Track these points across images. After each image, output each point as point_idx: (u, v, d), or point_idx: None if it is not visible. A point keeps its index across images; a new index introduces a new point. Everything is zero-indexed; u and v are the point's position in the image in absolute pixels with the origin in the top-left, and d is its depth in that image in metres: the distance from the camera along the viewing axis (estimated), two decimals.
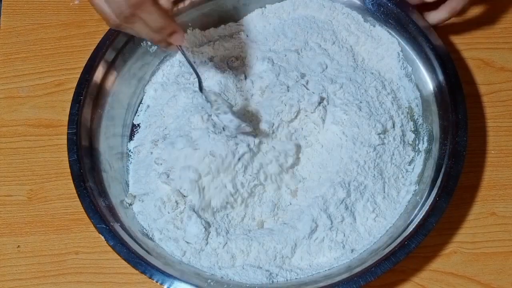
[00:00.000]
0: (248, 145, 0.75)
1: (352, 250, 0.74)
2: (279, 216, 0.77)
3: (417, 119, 0.82)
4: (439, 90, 0.79)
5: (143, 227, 0.75)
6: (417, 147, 0.81)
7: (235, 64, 0.85)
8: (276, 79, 0.81)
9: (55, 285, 0.77)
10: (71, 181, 0.74)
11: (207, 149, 0.73)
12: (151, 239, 0.74)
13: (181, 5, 0.84)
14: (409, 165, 0.80)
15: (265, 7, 0.89)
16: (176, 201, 0.74)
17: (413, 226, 0.71)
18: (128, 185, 0.79)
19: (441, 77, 0.79)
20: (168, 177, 0.74)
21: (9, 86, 0.89)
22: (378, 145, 0.78)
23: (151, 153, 0.79)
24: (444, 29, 0.90)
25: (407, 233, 0.70)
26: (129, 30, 0.68)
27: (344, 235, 0.74)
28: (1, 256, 0.79)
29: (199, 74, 0.76)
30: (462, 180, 0.74)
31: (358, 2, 0.86)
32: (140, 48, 0.84)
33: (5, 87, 0.89)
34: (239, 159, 0.74)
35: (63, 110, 0.86)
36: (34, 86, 0.89)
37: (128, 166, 0.81)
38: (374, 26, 0.86)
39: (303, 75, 0.82)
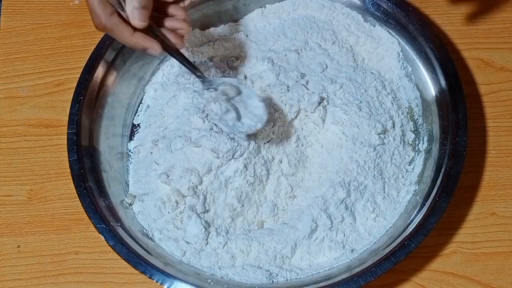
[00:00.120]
0: (249, 144, 0.75)
1: (352, 250, 0.74)
2: (279, 216, 0.77)
3: (417, 119, 0.82)
4: (439, 90, 0.79)
5: (143, 227, 0.75)
6: (417, 147, 0.81)
7: (235, 64, 0.85)
8: (276, 79, 0.81)
9: (55, 285, 0.77)
10: (71, 181, 0.74)
11: (208, 146, 0.73)
12: (151, 239, 0.74)
13: (181, 5, 0.84)
14: (409, 165, 0.80)
15: (265, 7, 0.89)
16: (176, 201, 0.74)
17: (413, 226, 0.71)
18: (128, 185, 0.79)
19: (441, 77, 0.79)
20: (168, 177, 0.74)
21: (9, 86, 0.89)
22: (378, 145, 0.78)
23: (151, 153, 0.79)
24: (444, 29, 0.90)
25: (407, 233, 0.70)
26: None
27: (344, 235, 0.74)
28: (1, 256, 0.79)
29: (195, 68, 0.75)
30: (462, 180, 0.74)
31: (358, 2, 0.86)
32: None
33: (5, 87, 0.89)
34: (240, 157, 0.74)
35: (63, 110, 0.86)
36: (34, 86, 0.89)
37: (128, 166, 0.81)
38: (374, 26, 0.86)
39: (303, 75, 0.82)
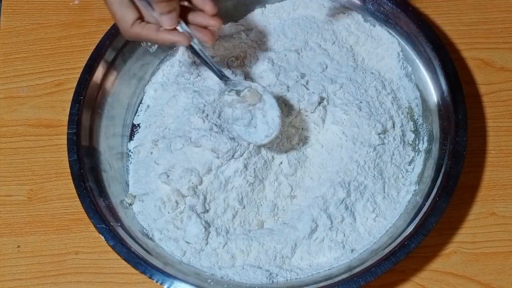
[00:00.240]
0: (249, 144, 0.75)
1: (352, 250, 0.74)
2: (279, 216, 0.77)
3: (417, 119, 0.82)
4: (439, 90, 0.79)
5: (143, 227, 0.75)
6: (417, 147, 0.81)
7: (235, 64, 0.85)
8: (276, 79, 0.81)
9: (55, 285, 0.77)
10: (71, 181, 0.74)
11: (208, 146, 0.74)
12: (151, 239, 0.74)
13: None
14: (409, 165, 0.80)
15: (265, 7, 0.89)
16: (176, 201, 0.74)
17: (413, 226, 0.71)
18: (128, 185, 0.79)
19: (441, 77, 0.79)
20: (168, 177, 0.74)
21: (9, 86, 0.89)
22: (378, 145, 0.78)
23: (151, 153, 0.79)
24: (444, 29, 0.90)
25: (407, 233, 0.70)
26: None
27: (344, 235, 0.74)
28: (1, 256, 0.79)
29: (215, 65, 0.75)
30: (462, 180, 0.74)
31: (358, 2, 0.86)
32: (140, 48, 0.84)
33: (5, 87, 0.89)
34: (240, 157, 0.74)
35: (63, 110, 0.86)
36: (34, 86, 0.89)
37: (128, 166, 0.81)
38: (374, 26, 0.86)
39: (303, 75, 0.82)
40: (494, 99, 0.86)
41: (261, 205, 0.76)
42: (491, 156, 0.83)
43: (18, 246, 0.79)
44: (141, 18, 0.69)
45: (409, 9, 0.83)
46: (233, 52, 0.86)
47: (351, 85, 0.81)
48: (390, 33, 0.85)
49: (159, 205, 0.74)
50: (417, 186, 0.77)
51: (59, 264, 0.78)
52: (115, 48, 0.81)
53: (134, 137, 0.83)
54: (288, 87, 0.80)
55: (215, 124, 0.77)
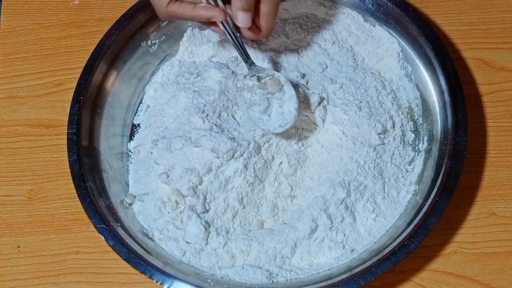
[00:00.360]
0: (249, 144, 0.75)
1: (352, 250, 0.74)
2: (279, 216, 0.77)
3: (417, 119, 0.82)
4: (439, 90, 0.79)
5: (143, 227, 0.75)
6: (417, 147, 0.81)
7: (235, 64, 0.85)
8: None
9: (55, 285, 0.77)
10: (71, 181, 0.74)
11: (208, 146, 0.74)
12: (151, 239, 0.74)
13: None
14: (409, 165, 0.80)
15: None
16: (176, 201, 0.74)
17: (413, 226, 0.71)
18: (128, 185, 0.79)
19: (441, 77, 0.79)
20: (168, 177, 0.74)
21: (9, 86, 0.89)
22: (378, 145, 0.78)
23: (151, 153, 0.79)
24: (444, 29, 0.90)
25: (407, 233, 0.70)
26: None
27: (344, 235, 0.74)
28: (1, 256, 0.79)
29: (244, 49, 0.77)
30: (462, 180, 0.74)
31: (358, 2, 0.86)
32: (140, 48, 0.84)
33: (5, 87, 0.89)
34: (240, 157, 0.74)
35: (63, 110, 0.86)
36: (34, 86, 0.89)
37: (128, 166, 0.81)
38: (374, 26, 0.86)
39: (303, 75, 0.82)
40: (494, 99, 0.86)
41: (261, 205, 0.76)
42: (491, 156, 0.83)
43: (18, 246, 0.79)
44: None
45: (409, 9, 0.83)
46: (233, 52, 0.86)
47: (351, 85, 0.81)
48: (390, 33, 0.85)
49: (159, 205, 0.74)
50: (417, 186, 0.77)
51: (59, 264, 0.78)
52: (115, 48, 0.81)
53: (134, 137, 0.83)
54: None
55: (215, 124, 0.77)
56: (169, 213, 0.74)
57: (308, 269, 0.73)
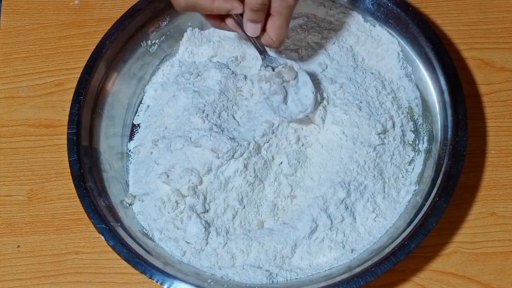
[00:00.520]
0: (249, 144, 0.75)
1: (352, 250, 0.74)
2: (279, 216, 0.77)
3: (417, 119, 0.82)
4: (439, 90, 0.79)
5: (143, 227, 0.75)
6: (417, 147, 0.81)
7: (235, 64, 0.85)
8: None
9: (55, 285, 0.77)
10: (71, 181, 0.74)
11: (208, 146, 0.74)
12: (151, 239, 0.74)
13: None
14: (409, 165, 0.80)
15: None
16: (176, 201, 0.74)
17: (413, 226, 0.71)
18: (128, 185, 0.79)
19: (441, 77, 0.79)
20: (168, 177, 0.74)
21: (9, 86, 0.89)
22: (378, 145, 0.78)
23: (151, 153, 0.79)
24: (444, 29, 0.90)
25: (407, 233, 0.70)
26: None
27: (344, 235, 0.74)
28: (1, 256, 0.79)
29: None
30: (462, 180, 0.74)
31: (358, 2, 0.86)
32: (140, 48, 0.84)
33: (5, 87, 0.89)
34: (240, 157, 0.74)
35: (63, 110, 0.86)
36: (34, 86, 0.89)
37: (128, 166, 0.81)
38: (374, 26, 0.86)
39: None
40: (494, 99, 0.86)
41: (261, 205, 0.76)
42: (491, 156, 0.83)
43: (18, 246, 0.79)
44: None
45: (409, 9, 0.83)
46: (233, 52, 0.86)
47: (351, 85, 0.81)
48: (390, 33, 0.85)
49: (159, 205, 0.74)
50: (417, 186, 0.77)
51: (59, 264, 0.78)
52: (115, 48, 0.81)
53: (134, 137, 0.83)
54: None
55: (215, 124, 0.77)
56: (169, 213, 0.74)
57: (308, 269, 0.73)
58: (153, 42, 0.85)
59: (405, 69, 0.84)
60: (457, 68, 0.79)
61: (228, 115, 0.80)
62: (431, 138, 0.80)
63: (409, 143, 0.81)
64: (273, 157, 0.77)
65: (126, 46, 0.82)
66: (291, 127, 0.78)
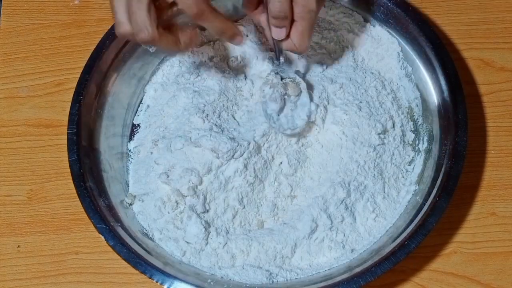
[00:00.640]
0: (249, 144, 0.75)
1: (352, 250, 0.74)
2: (279, 216, 0.77)
3: (417, 119, 0.82)
4: (439, 90, 0.79)
5: (143, 227, 0.75)
6: (417, 147, 0.81)
7: (235, 64, 0.85)
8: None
9: (55, 285, 0.77)
10: (71, 181, 0.74)
11: (208, 146, 0.74)
12: (151, 239, 0.74)
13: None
14: (409, 165, 0.80)
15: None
16: (176, 201, 0.74)
17: (413, 226, 0.71)
18: (128, 185, 0.79)
19: (441, 77, 0.79)
20: (168, 177, 0.74)
21: (9, 86, 0.89)
22: (378, 145, 0.78)
23: (151, 153, 0.79)
24: (444, 29, 0.90)
25: (407, 233, 0.70)
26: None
27: (344, 235, 0.74)
28: (1, 256, 0.79)
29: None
30: (462, 180, 0.74)
31: (358, 2, 0.86)
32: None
33: (5, 87, 0.89)
34: (240, 157, 0.74)
35: (63, 110, 0.86)
36: (34, 86, 0.89)
37: (128, 166, 0.81)
38: (374, 26, 0.86)
39: (303, 75, 0.82)
40: (494, 99, 0.86)
41: (261, 205, 0.76)
42: (491, 156, 0.83)
43: (18, 246, 0.79)
44: None
45: (409, 9, 0.83)
46: (233, 52, 0.86)
47: (351, 85, 0.81)
48: (390, 33, 0.85)
49: (159, 205, 0.74)
50: (417, 186, 0.77)
51: (59, 264, 0.78)
52: (115, 48, 0.81)
53: (134, 137, 0.83)
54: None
55: (215, 124, 0.77)
56: (169, 213, 0.74)
57: (308, 269, 0.73)
58: None
59: (405, 69, 0.84)
60: (457, 68, 0.79)
61: (228, 115, 0.80)
62: (431, 138, 0.79)
63: (409, 143, 0.81)
64: (273, 157, 0.77)
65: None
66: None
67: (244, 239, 0.73)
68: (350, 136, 0.77)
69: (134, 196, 0.77)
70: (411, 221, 0.72)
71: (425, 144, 0.80)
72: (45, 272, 0.78)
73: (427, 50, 0.81)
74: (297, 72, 0.80)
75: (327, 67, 0.84)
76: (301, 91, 0.77)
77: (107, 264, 0.78)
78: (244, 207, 0.75)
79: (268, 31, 0.72)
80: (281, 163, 0.77)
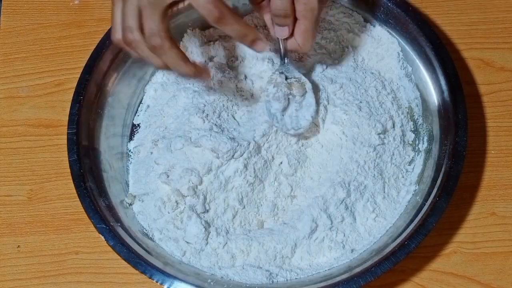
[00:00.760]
0: (249, 144, 0.75)
1: (352, 250, 0.74)
2: (279, 216, 0.77)
3: (417, 119, 0.82)
4: (439, 90, 0.79)
5: (143, 227, 0.75)
6: (417, 147, 0.81)
7: (235, 64, 0.85)
8: None
9: (55, 285, 0.77)
10: (71, 181, 0.74)
11: (208, 146, 0.74)
12: (151, 239, 0.74)
13: (181, 5, 0.84)
14: (409, 165, 0.80)
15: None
16: (176, 201, 0.74)
17: (413, 226, 0.71)
18: (128, 185, 0.79)
19: (441, 77, 0.79)
20: (168, 177, 0.74)
21: (9, 86, 0.89)
22: (378, 145, 0.78)
23: (151, 153, 0.79)
24: (444, 29, 0.90)
25: (407, 233, 0.70)
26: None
27: (344, 235, 0.74)
28: (1, 256, 0.79)
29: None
30: (462, 180, 0.74)
31: (358, 2, 0.86)
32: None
33: (5, 87, 0.89)
34: (240, 157, 0.74)
35: (63, 110, 0.86)
36: (34, 86, 0.89)
37: (128, 166, 0.81)
38: (374, 26, 0.86)
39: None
40: (494, 99, 0.86)
41: (261, 205, 0.76)
42: (491, 156, 0.83)
43: (18, 246, 0.79)
44: None
45: (409, 9, 0.83)
46: (233, 52, 0.86)
47: (351, 85, 0.81)
48: (390, 33, 0.85)
49: (159, 205, 0.74)
50: (417, 186, 0.77)
51: (59, 264, 0.78)
52: (115, 48, 0.81)
53: (134, 137, 0.83)
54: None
55: (215, 124, 0.77)
56: (169, 213, 0.74)
57: (308, 269, 0.73)
58: None
59: (405, 69, 0.84)
60: (457, 68, 0.79)
61: (228, 115, 0.80)
62: (431, 138, 0.79)
63: (409, 143, 0.81)
64: (273, 157, 0.77)
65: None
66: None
67: (244, 239, 0.73)
68: (350, 136, 0.77)
69: (134, 196, 0.77)
70: (411, 221, 0.72)
71: (425, 144, 0.80)
72: (45, 272, 0.78)
73: (427, 50, 0.81)
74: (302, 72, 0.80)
75: (327, 67, 0.84)
76: (306, 91, 0.77)
77: (107, 264, 0.78)
78: (244, 207, 0.75)
79: (272, 30, 0.72)
80: (281, 163, 0.77)
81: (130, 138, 0.83)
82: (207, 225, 0.73)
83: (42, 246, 0.79)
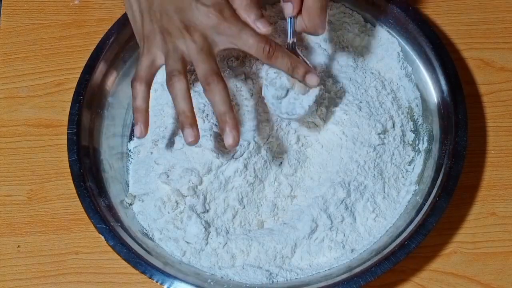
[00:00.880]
0: (249, 144, 0.75)
1: (352, 250, 0.74)
2: (279, 216, 0.77)
3: (417, 119, 0.82)
4: (439, 90, 0.79)
5: (143, 227, 0.75)
6: (417, 147, 0.81)
7: (235, 64, 0.85)
8: None
9: (55, 285, 0.77)
10: (71, 181, 0.74)
11: (208, 146, 0.74)
12: (151, 239, 0.74)
13: None
14: (409, 165, 0.80)
15: (265, 7, 0.89)
16: (176, 201, 0.74)
17: (413, 226, 0.71)
18: (128, 185, 0.79)
19: (441, 77, 0.79)
20: (168, 177, 0.74)
21: (9, 86, 0.89)
22: (378, 145, 0.78)
23: (151, 153, 0.79)
24: (444, 29, 0.90)
25: (407, 233, 0.70)
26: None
27: (344, 235, 0.74)
28: (1, 256, 0.79)
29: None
30: (462, 180, 0.74)
31: (358, 2, 0.86)
32: (140, 48, 0.84)
33: (5, 87, 0.89)
34: (240, 157, 0.74)
35: (63, 110, 0.86)
36: (34, 86, 0.89)
37: (128, 166, 0.81)
38: (374, 26, 0.86)
39: None
40: (494, 99, 0.86)
41: (261, 205, 0.76)
42: (491, 156, 0.83)
43: (18, 246, 0.79)
44: None
45: (409, 9, 0.83)
46: (233, 52, 0.86)
47: (351, 85, 0.81)
48: (390, 33, 0.85)
49: (159, 205, 0.74)
50: (417, 186, 0.77)
51: (59, 264, 0.78)
52: (115, 48, 0.81)
53: (134, 137, 0.83)
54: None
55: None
56: (169, 213, 0.74)
57: (308, 269, 0.73)
58: None
59: (405, 69, 0.84)
60: (457, 68, 0.79)
61: None
62: (431, 138, 0.80)
63: (409, 143, 0.81)
64: (273, 157, 0.77)
65: (126, 46, 0.82)
66: (291, 127, 0.78)
67: (244, 239, 0.73)
68: (350, 136, 0.77)
69: (134, 196, 0.77)
70: (411, 221, 0.72)
71: (425, 144, 0.80)
72: (45, 272, 0.78)
73: (427, 50, 0.81)
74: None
75: (327, 67, 0.84)
76: (308, 91, 0.74)
77: (107, 264, 0.78)
78: (244, 207, 0.75)
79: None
80: (281, 163, 0.77)
81: (130, 138, 0.83)
82: (207, 225, 0.73)
83: (42, 246, 0.79)
